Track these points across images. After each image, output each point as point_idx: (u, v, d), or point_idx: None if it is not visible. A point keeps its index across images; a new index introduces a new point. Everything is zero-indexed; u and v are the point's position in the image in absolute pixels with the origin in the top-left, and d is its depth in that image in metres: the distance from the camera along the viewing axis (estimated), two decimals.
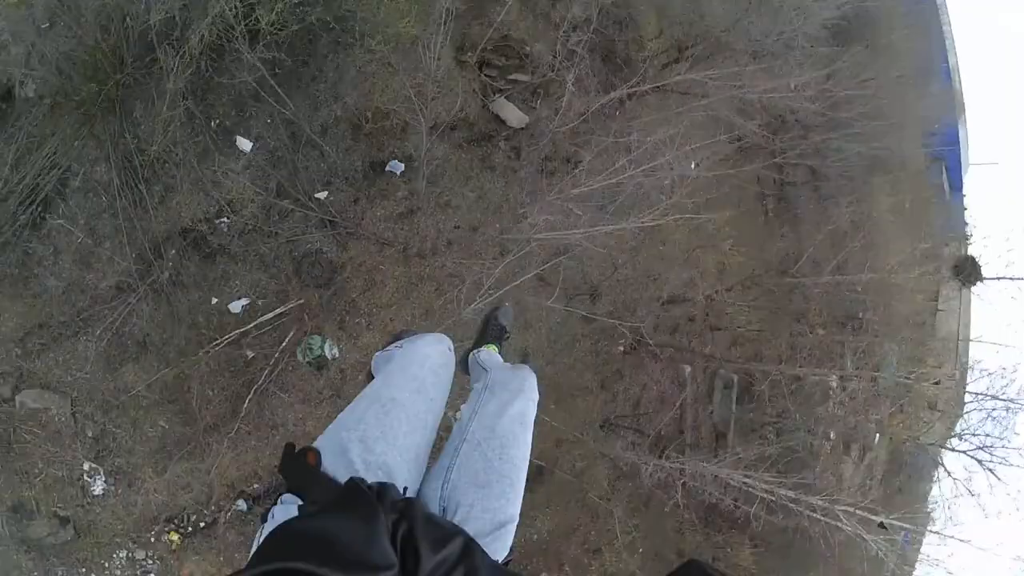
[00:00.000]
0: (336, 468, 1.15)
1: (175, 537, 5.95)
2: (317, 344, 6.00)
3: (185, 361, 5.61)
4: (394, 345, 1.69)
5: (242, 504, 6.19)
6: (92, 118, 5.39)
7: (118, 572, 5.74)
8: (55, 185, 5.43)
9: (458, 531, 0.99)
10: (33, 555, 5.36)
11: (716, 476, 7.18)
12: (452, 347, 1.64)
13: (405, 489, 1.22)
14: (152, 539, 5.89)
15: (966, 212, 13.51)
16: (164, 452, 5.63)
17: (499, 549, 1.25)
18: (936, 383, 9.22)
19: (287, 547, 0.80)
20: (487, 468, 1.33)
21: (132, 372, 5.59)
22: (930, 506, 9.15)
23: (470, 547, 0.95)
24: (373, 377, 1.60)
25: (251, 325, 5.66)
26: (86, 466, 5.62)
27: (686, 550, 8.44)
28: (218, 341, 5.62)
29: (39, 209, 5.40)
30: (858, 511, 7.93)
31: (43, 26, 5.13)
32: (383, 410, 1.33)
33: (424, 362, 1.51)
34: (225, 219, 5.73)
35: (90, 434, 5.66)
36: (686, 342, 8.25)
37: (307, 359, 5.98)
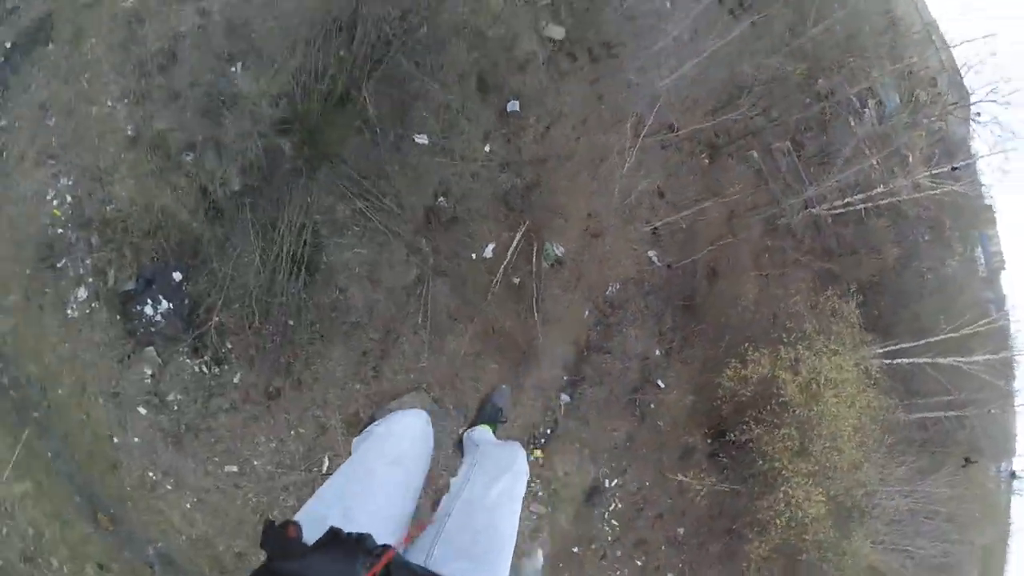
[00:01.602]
0: (316, 538, 1.11)
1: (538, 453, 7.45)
2: (550, 250, 7.46)
3: (481, 309, 6.97)
4: (373, 425, 1.68)
5: (566, 397, 7.75)
6: (304, 169, 6.41)
7: None
8: (309, 243, 6.48)
9: (435, 574, 0.99)
10: None
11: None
12: (429, 420, 1.66)
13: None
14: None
15: None
16: (511, 380, 7.06)
17: None
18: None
19: None
20: (474, 542, 1.34)
21: (453, 341, 6.90)
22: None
23: None
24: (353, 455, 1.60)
25: (509, 257, 7.03)
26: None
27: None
28: (495, 281, 6.99)
29: (305, 270, 6.45)
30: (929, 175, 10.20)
31: None
32: (361, 483, 1.37)
33: (403, 435, 1.55)
34: (442, 198, 6.98)
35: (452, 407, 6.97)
36: None
37: (549, 262, 7.46)
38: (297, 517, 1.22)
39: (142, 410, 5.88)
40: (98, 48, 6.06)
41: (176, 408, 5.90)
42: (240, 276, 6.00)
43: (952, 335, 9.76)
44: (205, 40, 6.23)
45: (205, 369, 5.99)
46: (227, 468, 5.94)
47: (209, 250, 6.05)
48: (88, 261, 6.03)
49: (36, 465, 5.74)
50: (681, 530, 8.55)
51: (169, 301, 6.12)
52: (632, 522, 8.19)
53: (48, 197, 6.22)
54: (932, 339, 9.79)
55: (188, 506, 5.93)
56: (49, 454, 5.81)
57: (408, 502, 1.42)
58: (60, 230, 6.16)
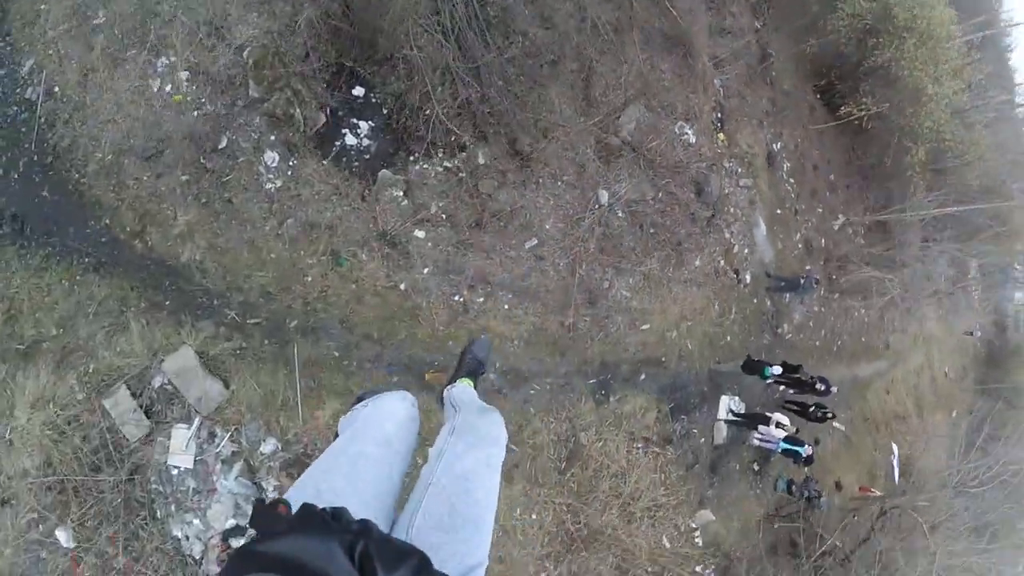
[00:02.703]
0: None
1: (721, 136, 7.47)
2: None
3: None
4: (359, 405, 1.69)
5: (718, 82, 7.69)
6: None
7: None
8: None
9: (414, 549, 1.00)
10: None
11: None
12: (416, 403, 1.67)
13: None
14: None
15: None
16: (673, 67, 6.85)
17: None
18: None
19: (248, 566, 0.82)
20: (452, 512, 1.33)
21: (630, 50, 6.46)
22: None
23: (426, 564, 0.96)
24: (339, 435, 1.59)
25: None
26: None
27: None
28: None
29: (486, 28, 5.43)
30: None
31: None
32: (350, 463, 1.38)
33: (389, 417, 1.56)
34: None
35: None
36: None
37: None
38: (287, 496, 1.24)
39: (419, 233, 5.17)
40: None
41: (445, 216, 5.24)
42: (427, 57, 5.07)
43: None
44: None
45: (447, 164, 5.27)
46: (527, 244, 5.52)
47: (377, 43, 5.00)
48: (256, 120, 4.84)
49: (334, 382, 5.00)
50: (832, 176, 9.34)
51: (366, 120, 5.15)
52: (801, 176, 8.78)
53: (156, 89, 4.82)
54: None
55: (506, 307, 5.54)
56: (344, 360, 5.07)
57: (395, 482, 1.46)
58: (196, 112, 4.86)
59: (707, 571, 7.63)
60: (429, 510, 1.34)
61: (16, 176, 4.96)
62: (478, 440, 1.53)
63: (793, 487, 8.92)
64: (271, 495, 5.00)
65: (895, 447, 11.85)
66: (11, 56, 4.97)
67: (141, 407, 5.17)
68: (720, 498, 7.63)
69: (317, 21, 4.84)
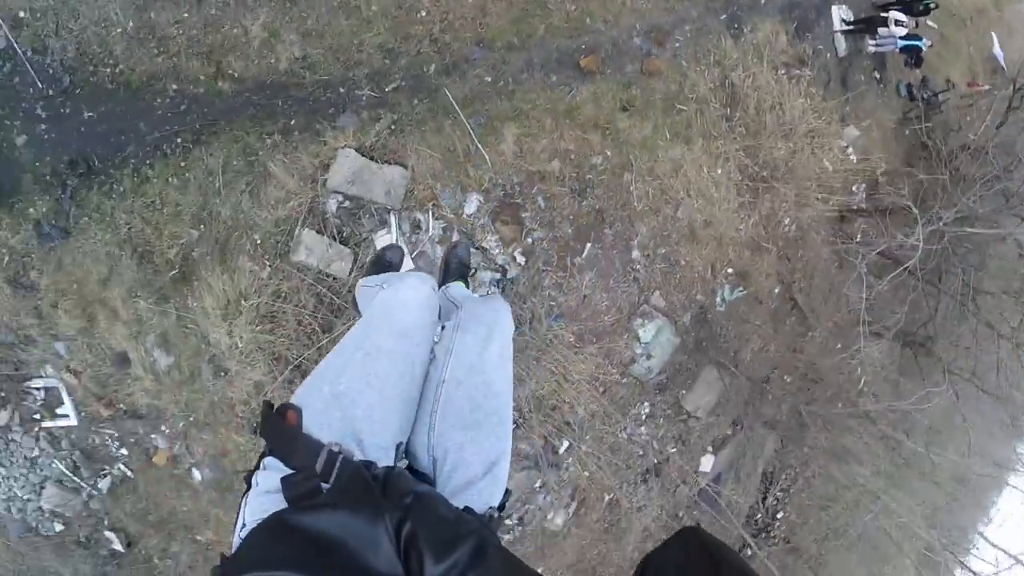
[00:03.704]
0: (319, 426, 1.04)
1: None
2: None
3: None
4: (380, 280, 1.50)
5: None
6: None
7: None
8: None
9: (472, 531, 0.90)
10: None
11: None
12: (436, 287, 1.46)
13: (399, 446, 1.14)
14: None
15: None
16: None
17: (495, 492, 1.18)
18: None
19: (282, 548, 0.76)
20: (473, 407, 1.23)
21: None
22: None
23: (483, 548, 0.86)
24: (357, 304, 1.52)
25: None
26: None
27: None
28: None
29: None
30: None
31: None
32: (367, 358, 1.20)
33: (407, 304, 1.34)
34: None
35: None
36: None
37: None
38: (295, 400, 1.11)
39: None
40: None
41: None
42: None
43: None
44: None
45: None
46: None
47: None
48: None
49: None
50: None
51: None
52: None
53: None
54: None
55: None
56: None
57: (417, 375, 1.28)
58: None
59: (859, 187, 7.89)
60: (449, 409, 1.26)
61: (44, 126, 4.25)
62: (488, 329, 1.42)
63: (912, 89, 8.77)
64: (500, 255, 4.95)
65: (994, 36, 11.23)
66: None
67: (334, 238, 5.06)
68: (856, 112, 7.55)
69: None
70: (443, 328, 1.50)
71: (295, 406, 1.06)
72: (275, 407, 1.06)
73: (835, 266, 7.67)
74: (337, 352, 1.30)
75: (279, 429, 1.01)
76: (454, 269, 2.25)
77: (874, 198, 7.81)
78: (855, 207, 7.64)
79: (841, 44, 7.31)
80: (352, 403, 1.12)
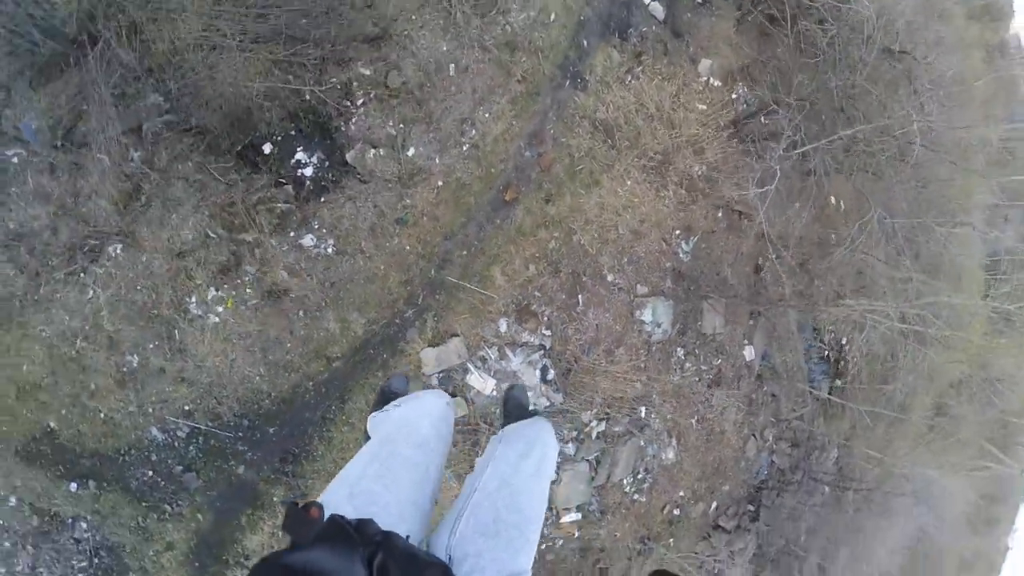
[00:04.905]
0: None
1: None
2: None
3: None
4: (391, 405, 1.66)
5: None
6: None
7: None
8: None
9: (435, 562, 1.00)
10: None
11: None
12: (451, 401, 1.62)
13: (407, 537, 1.19)
14: None
15: None
16: None
17: None
18: None
19: (273, 574, 0.87)
20: (496, 518, 1.30)
21: None
22: None
23: (448, 572, 0.98)
24: (370, 437, 1.56)
25: None
26: None
27: None
28: None
29: None
30: None
31: None
32: (384, 465, 1.34)
33: (424, 417, 1.52)
34: None
35: None
36: None
37: None
38: (321, 499, 1.23)
39: None
40: None
41: None
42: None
43: None
44: None
45: None
46: None
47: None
48: None
49: None
50: None
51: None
52: None
53: None
54: None
55: None
56: None
57: (432, 482, 1.44)
58: None
59: (737, 91, 9.49)
60: (474, 516, 1.33)
61: (249, 453, 5.75)
62: (528, 446, 1.52)
63: None
64: (535, 338, 7.27)
65: None
66: None
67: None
68: (701, 45, 9.11)
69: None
70: (488, 443, 1.62)
71: (318, 503, 1.15)
72: (300, 505, 1.12)
73: (755, 159, 9.40)
74: (357, 459, 1.41)
75: (301, 520, 1.07)
76: (513, 413, 2.33)
77: (754, 92, 9.45)
78: (742, 110, 9.30)
79: (658, 10, 8.89)
80: (369, 502, 1.24)
